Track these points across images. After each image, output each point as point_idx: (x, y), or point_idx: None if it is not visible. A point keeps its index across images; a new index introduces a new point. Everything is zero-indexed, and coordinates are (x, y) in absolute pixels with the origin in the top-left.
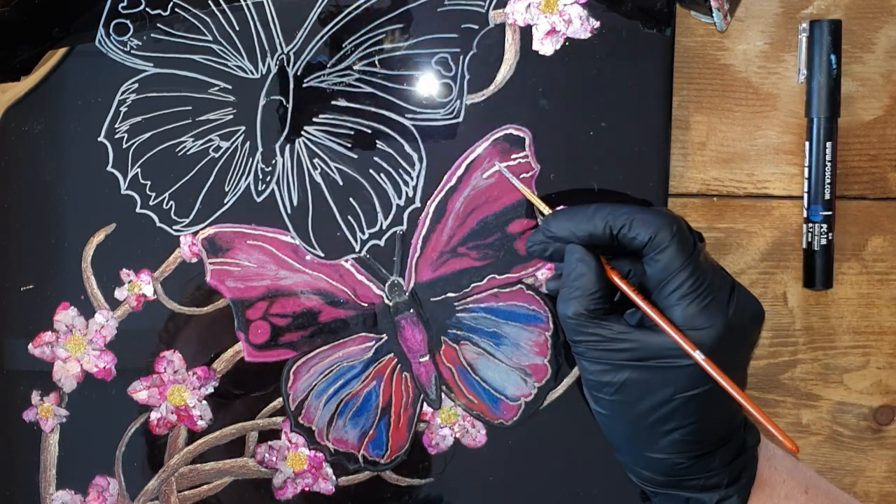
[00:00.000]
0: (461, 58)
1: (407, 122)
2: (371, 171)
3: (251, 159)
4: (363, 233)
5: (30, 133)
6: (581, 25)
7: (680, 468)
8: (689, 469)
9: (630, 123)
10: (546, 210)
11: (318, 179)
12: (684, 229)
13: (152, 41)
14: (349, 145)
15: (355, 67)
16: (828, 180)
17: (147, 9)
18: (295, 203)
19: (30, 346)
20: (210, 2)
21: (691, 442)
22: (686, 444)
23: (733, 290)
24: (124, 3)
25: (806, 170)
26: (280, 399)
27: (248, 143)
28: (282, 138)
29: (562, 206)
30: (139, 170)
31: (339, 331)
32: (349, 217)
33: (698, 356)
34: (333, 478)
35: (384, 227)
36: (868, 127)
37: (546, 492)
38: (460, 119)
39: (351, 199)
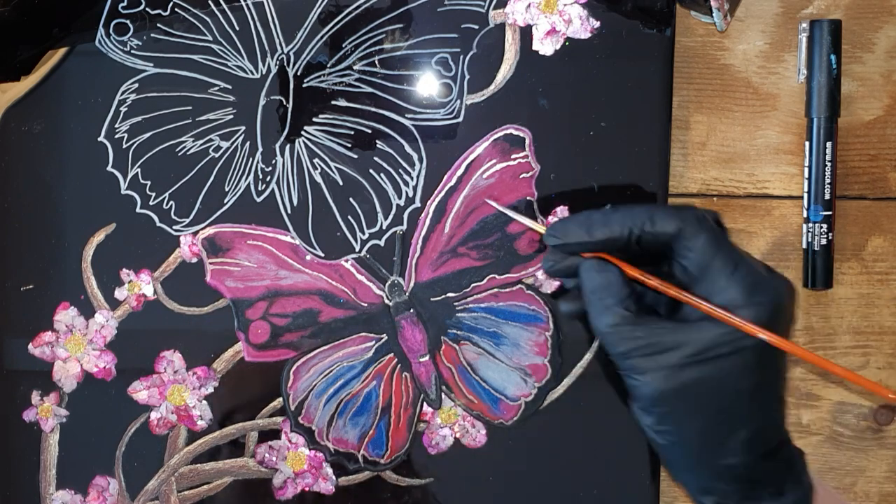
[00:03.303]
0: (461, 58)
1: (407, 122)
2: (371, 171)
3: (251, 159)
4: (363, 233)
5: (30, 133)
6: (581, 25)
7: (753, 472)
8: (760, 470)
9: (630, 123)
10: (542, 229)
11: (318, 179)
12: (706, 216)
13: (152, 41)
14: (349, 145)
15: (355, 67)
16: (828, 180)
17: (147, 9)
18: (295, 203)
19: (30, 346)
20: (210, 2)
21: (758, 440)
22: (754, 443)
23: (767, 267)
24: (124, 3)
25: (806, 170)
26: (280, 399)
27: (248, 143)
28: (282, 138)
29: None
30: (139, 170)
31: (339, 331)
32: (349, 217)
33: (761, 334)
34: (333, 478)
35: (384, 227)
36: (868, 127)
37: (546, 492)
38: (460, 119)
39: (351, 199)
